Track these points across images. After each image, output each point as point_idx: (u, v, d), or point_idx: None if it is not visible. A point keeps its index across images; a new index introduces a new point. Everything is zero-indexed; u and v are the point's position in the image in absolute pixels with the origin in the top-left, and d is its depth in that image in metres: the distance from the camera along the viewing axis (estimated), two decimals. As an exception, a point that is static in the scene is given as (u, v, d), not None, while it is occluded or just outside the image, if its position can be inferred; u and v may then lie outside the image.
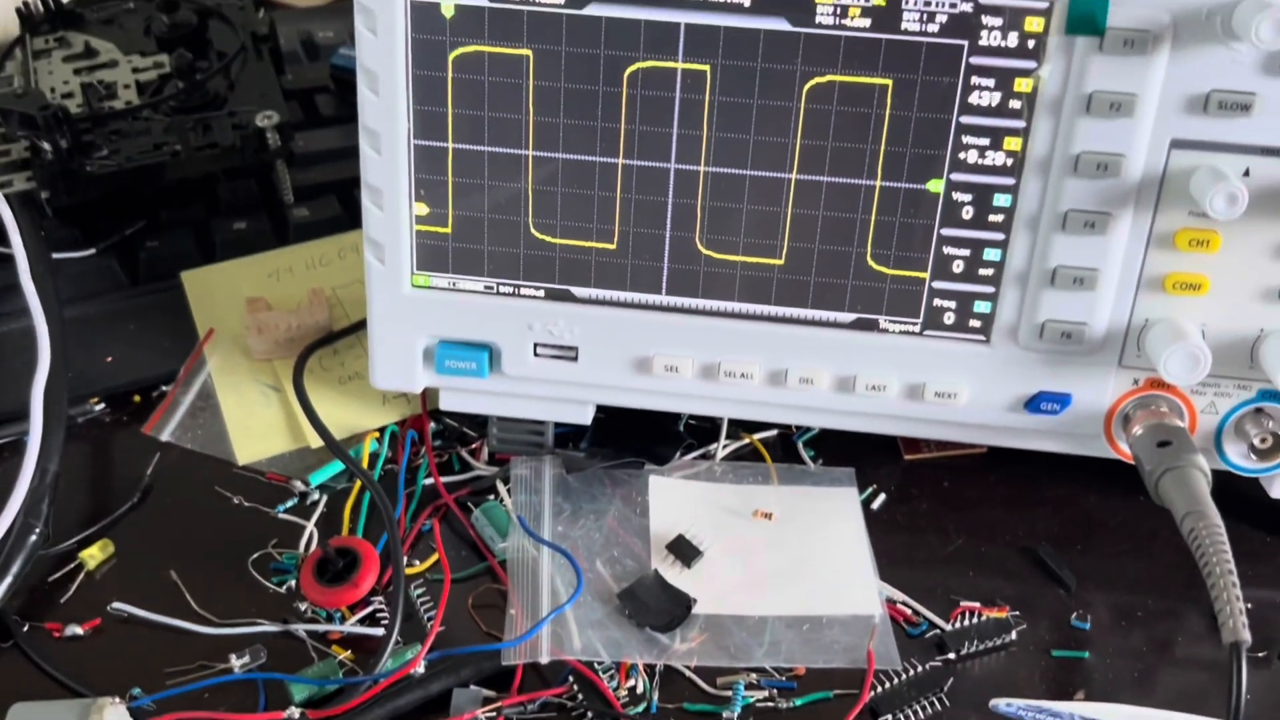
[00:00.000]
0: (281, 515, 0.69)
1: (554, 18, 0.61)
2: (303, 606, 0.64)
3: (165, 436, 0.73)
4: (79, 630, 0.63)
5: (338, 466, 0.71)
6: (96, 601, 0.64)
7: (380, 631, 0.63)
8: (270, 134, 0.81)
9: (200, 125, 0.82)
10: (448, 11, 0.61)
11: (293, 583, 0.65)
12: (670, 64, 0.61)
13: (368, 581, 0.64)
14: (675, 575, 0.66)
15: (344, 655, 0.62)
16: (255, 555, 0.67)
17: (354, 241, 0.82)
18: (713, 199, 0.64)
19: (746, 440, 0.74)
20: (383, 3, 0.61)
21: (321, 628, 0.63)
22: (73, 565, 0.66)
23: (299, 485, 0.71)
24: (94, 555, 0.66)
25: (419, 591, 0.65)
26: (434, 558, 0.67)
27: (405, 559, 0.66)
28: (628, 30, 0.60)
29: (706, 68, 0.61)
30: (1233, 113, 0.58)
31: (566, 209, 0.65)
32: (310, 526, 0.68)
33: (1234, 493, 0.66)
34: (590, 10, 0.60)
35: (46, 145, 0.77)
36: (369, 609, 0.64)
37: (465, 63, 0.62)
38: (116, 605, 0.64)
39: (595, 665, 0.62)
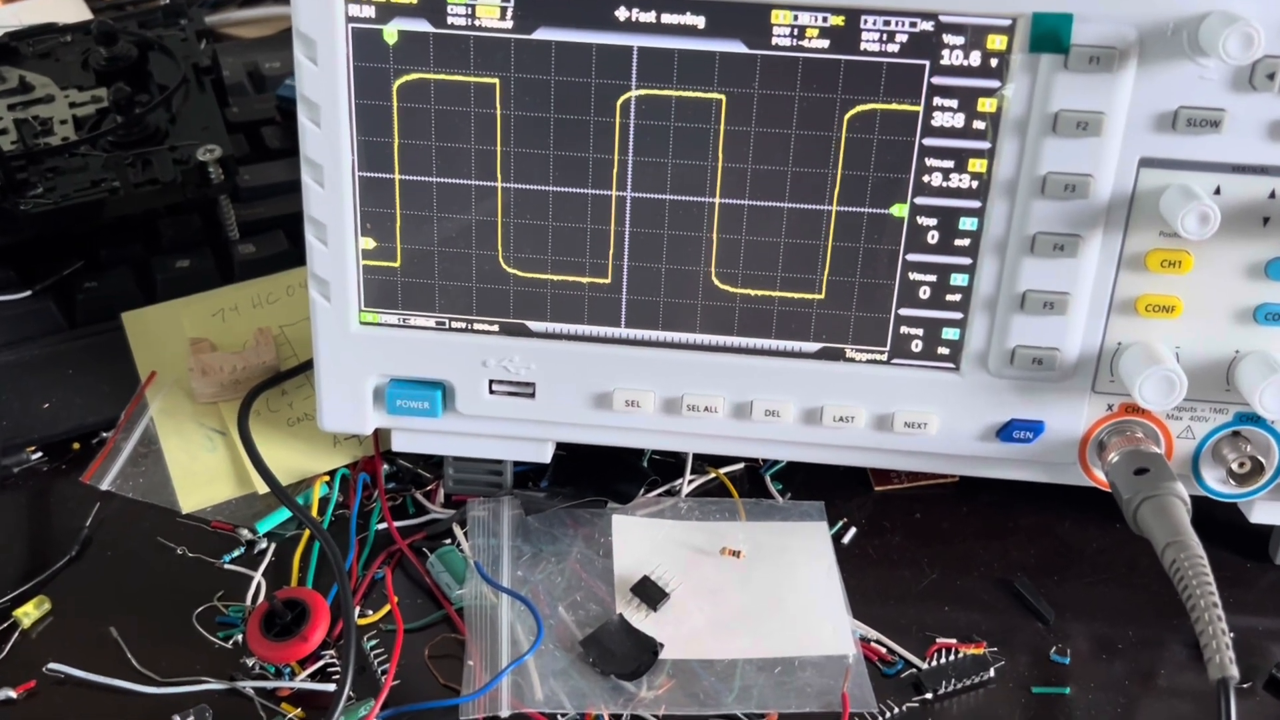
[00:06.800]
0: (227, 566, 0.67)
1: (502, 43, 0.59)
2: (250, 662, 0.62)
3: (105, 485, 0.71)
4: (12, 694, 0.60)
5: (286, 513, 0.69)
6: (32, 662, 0.62)
7: (332, 687, 0.60)
8: (213, 168, 0.79)
9: (140, 160, 0.79)
10: (390, 38, 0.59)
11: (239, 637, 0.63)
12: (624, 89, 0.59)
13: (318, 634, 0.61)
14: (641, 619, 0.64)
15: (294, 713, 0.60)
16: (200, 609, 0.64)
17: (302, 278, 0.79)
18: (670, 227, 0.62)
19: (712, 475, 0.72)
20: (323, 30, 0.59)
21: (270, 684, 0.61)
22: (6, 624, 0.63)
23: (246, 534, 0.68)
24: (29, 613, 0.64)
25: (372, 643, 0.63)
26: (387, 607, 0.64)
27: (358, 609, 0.64)
28: (578, 55, 0.59)
29: (661, 92, 0.59)
30: (1202, 130, 0.57)
31: (520, 240, 0.63)
32: (258, 577, 0.66)
33: (1212, 518, 0.65)
34: (539, 35, 0.58)
35: (-22, 184, 0.74)
36: (320, 663, 0.62)
37: (410, 91, 0.60)
38: (53, 666, 0.61)
39: (559, 717, 0.59)
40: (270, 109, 0.94)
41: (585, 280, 0.63)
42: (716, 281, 0.63)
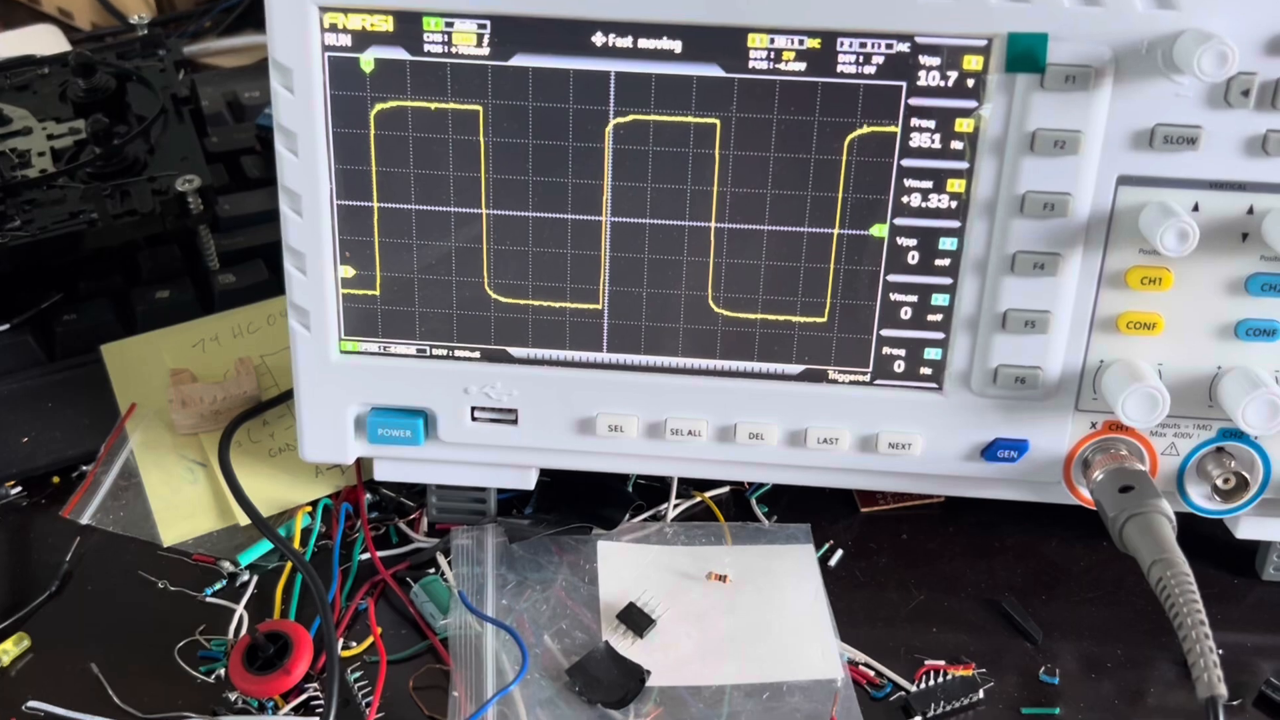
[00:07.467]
0: (209, 599, 0.66)
1: (479, 70, 0.59)
2: (233, 696, 0.61)
3: (86, 519, 0.70)
4: (-9, 733, 0.60)
5: (269, 545, 0.68)
6: (11, 700, 0.61)
7: (316, 720, 0.60)
8: (192, 198, 0.78)
9: (118, 192, 0.79)
10: (367, 66, 0.59)
11: (221, 671, 0.62)
12: (603, 114, 0.59)
13: (300, 667, 0.61)
14: (627, 646, 0.63)
15: (277, 748, 0.59)
16: (182, 643, 0.64)
17: (283, 307, 0.78)
18: (651, 251, 0.62)
19: (698, 499, 0.72)
20: (299, 59, 0.59)
21: (253, 719, 0.60)
22: (-15, 663, 0.63)
23: (227, 566, 0.67)
24: (8, 650, 0.63)
25: (356, 675, 0.62)
26: (371, 639, 0.64)
27: (341, 641, 0.63)
28: (556, 81, 0.58)
29: (638, 117, 0.59)
30: (1179, 147, 0.57)
31: (502, 266, 0.62)
32: (240, 610, 0.65)
33: (1198, 534, 0.65)
34: (517, 61, 0.58)
35: (-45, 218, 0.74)
36: (303, 696, 0.61)
37: (388, 119, 0.60)
38: (32, 704, 0.61)
39: (545, 747, 0.59)
40: (250, 138, 0.93)
41: (568, 305, 0.63)
42: (704, 304, 0.63)
